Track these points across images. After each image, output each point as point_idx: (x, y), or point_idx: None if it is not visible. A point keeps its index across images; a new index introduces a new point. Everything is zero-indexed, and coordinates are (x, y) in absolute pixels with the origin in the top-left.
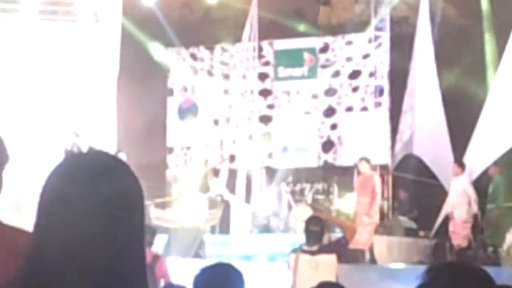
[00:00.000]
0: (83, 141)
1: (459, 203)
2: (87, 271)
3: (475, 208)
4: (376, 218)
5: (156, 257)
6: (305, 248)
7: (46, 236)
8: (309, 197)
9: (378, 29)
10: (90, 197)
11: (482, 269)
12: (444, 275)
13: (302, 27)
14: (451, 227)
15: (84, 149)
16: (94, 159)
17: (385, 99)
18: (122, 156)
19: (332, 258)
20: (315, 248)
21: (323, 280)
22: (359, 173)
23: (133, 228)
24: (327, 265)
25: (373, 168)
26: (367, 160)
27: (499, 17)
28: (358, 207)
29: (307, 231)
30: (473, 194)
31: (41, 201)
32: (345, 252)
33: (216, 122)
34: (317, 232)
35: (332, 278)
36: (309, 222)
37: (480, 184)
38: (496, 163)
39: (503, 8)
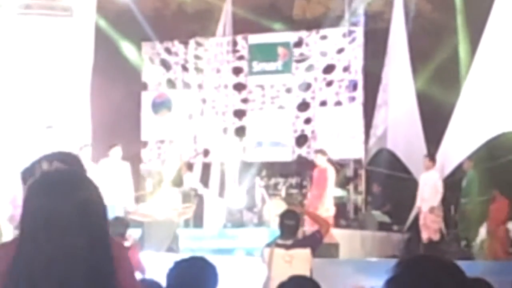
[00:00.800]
0: (56, 134)
1: (429, 197)
2: (68, 274)
3: (436, 202)
4: (331, 211)
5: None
6: (280, 242)
7: (29, 244)
8: (283, 191)
9: (352, 24)
10: (63, 207)
11: (453, 261)
12: (413, 268)
13: (276, 22)
14: (421, 221)
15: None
16: (63, 175)
17: (359, 94)
18: (88, 150)
19: (306, 252)
20: (289, 242)
21: (297, 273)
22: (315, 165)
23: (98, 230)
24: (301, 259)
25: (330, 161)
26: (323, 153)
27: (472, 11)
28: (310, 200)
29: (282, 225)
30: (440, 189)
31: (23, 215)
32: (319, 247)
33: (190, 116)
34: (292, 226)
35: (306, 272)
36: (284, 216)
37: (454, 178)
38: (470, 157)
39: (477, 2)
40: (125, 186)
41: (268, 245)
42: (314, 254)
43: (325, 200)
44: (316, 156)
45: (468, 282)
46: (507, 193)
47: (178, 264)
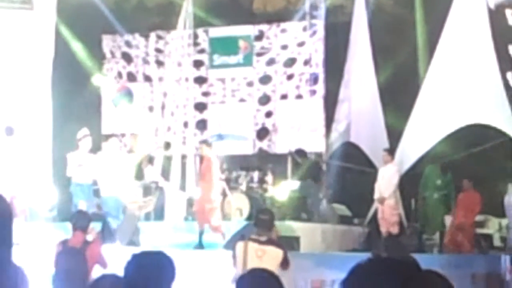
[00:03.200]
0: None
1: (387, 190)
2: None
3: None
4: (216, 203)
5: (87, 242)
6: (254, 236)
7: None
8: (244, 185)
9: (313, 17)
10: None
11: (404, 259)
12: (361, 270)
13: (237, 15)
14: (380, 214)
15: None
16: None
17: (320, 87)
18: (87, 141)
19: (279, 252)
20: (263, 238)
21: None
22: (202, 158)
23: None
24: (272, 257)
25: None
26: (208, 144)
27: (431, 6)
28: (200, 192)
29: (257, 219)
30: (394, 181)
31: None
32: (286, 263)
33: (151, 109)
34: (266, 220)
35: (275, 270)
36: (259, 211)
37: (415, 172)
38: (429, 151)
39: None
40: (124, 177)
41: (242, 239)
42: (283, 262)
43: (212, 191)
44: (201, 147)
45: (417, 277)
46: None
47: (136, 257)
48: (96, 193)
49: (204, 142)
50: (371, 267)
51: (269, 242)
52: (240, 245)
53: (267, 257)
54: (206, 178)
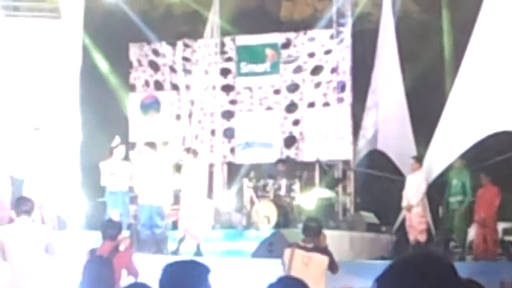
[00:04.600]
0: (44, 136)
1: (415, 198)
2: None
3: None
4: (197, 212)
5: (116, 251)
6: (301, 244)
7: None
8: (271, 193)
9: (340, 24)
10: None
11: (444, 258)
12: (401, 266)
13: (264, 23)
14: (408, 222)
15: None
16: None
17: (347, 95)
18: (121, 149)
19: (324, 258)
20: (310, 245)
21: (313, 276)
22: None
23: None
24: (318, 264)
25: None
26: (192, 151)
27: (459, 12)
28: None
29: (305, 227)
30: (422, 189)
31: None
32: (334, 267)
33: (178, 117)
34: (314, 227)
35: (321, 277)
36: (307, 219)
37: (443, 179)
38: (462, 157)
39: (463, 3)
40: (162, 185)
41: (290, 246)
42: (331, 267)
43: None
44: (186, 155)
45: (461, 280)
46: None
47: (169, 267)
48: (133, 200)
49: (187, 150)
50: (413, 262)
51: (315, 249)
52: (287, 252)
53: (313, 264)
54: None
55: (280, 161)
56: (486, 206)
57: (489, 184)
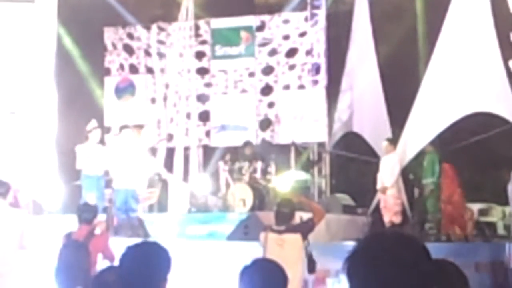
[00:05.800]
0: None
1: (389, 180)
2: None
3: (389, 183)
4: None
5: (92, 235)
6: (274, 227)
7: None
8: (247, 176)
9: (314, 7)
10: None
11: (411, 235)
12: (370, 243)
13: (239, 5)
14: (382, 203)
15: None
16: None
17: (322, 77)
18: (97, 133)
19: (296, 237)
20: (282, 227)
21: (288, 256)
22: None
23: None
24: (292, 243)
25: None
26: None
27: None
28: None
29: (277, 212)
30: (396, 171)
31: None
32: (310, 232)
33: (153, 101)
34: (286, 213)
35: (298, 255)
36: (280, 204)
37: (418, 161)
38: (433, 141)
39: None
40: (137, 169)
41: (264, 229)
42: (305, 238)
43: None
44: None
45: (431, 259)
46: (469, 175)
47: (131, 249)
48: (109, 183)
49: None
50: (382, 239)
51: (287, 230)
52: (262, 236)
53: (287, 245)
54: None
55: (246, 144)
56: (448, 184)
57: (445, 163)
